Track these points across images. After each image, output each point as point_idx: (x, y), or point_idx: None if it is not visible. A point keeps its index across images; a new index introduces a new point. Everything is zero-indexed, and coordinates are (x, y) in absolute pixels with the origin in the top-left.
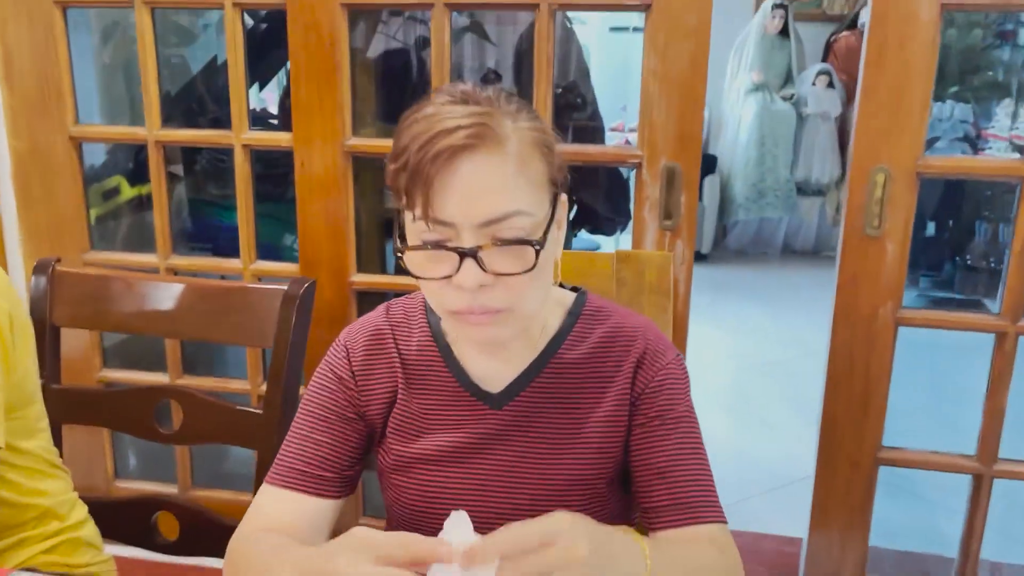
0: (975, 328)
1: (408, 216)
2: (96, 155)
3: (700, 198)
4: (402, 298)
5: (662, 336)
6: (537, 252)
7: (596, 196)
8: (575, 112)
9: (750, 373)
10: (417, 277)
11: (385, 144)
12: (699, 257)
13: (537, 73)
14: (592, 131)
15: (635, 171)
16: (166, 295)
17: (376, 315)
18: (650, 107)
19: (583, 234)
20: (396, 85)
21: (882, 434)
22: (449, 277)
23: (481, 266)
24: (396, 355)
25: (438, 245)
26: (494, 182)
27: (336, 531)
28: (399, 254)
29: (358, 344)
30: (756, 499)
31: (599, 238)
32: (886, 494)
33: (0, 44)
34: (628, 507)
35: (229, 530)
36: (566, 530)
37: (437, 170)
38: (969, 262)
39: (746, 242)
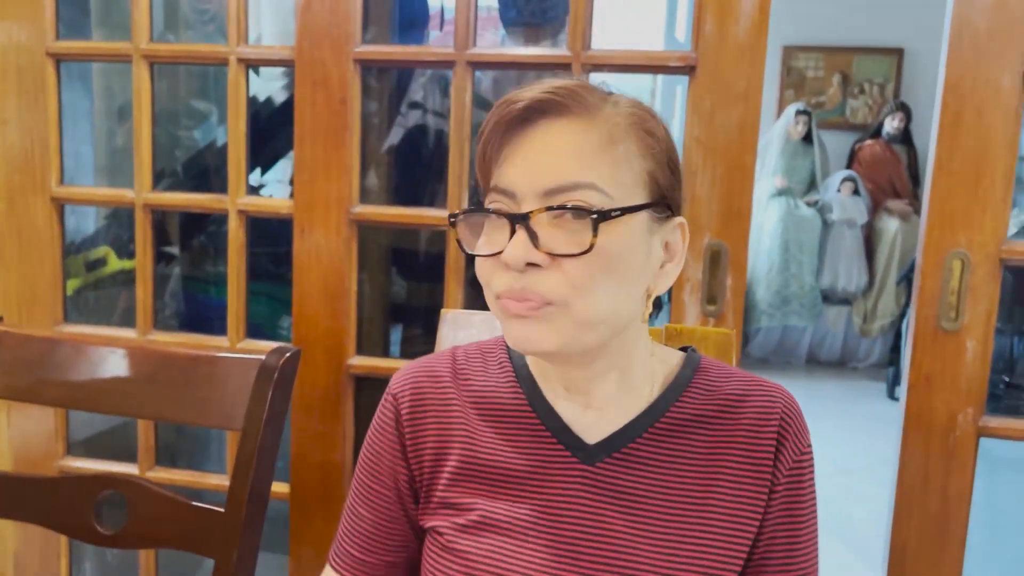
0: None
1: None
2: (86, 223)
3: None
4: (476, 342)
5: (792, 400)
6: (595, 226)
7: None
8: None
9: None
10: (467, 255)
11: (396, 212)
12: None
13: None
14: None
15: None
16: (120, 363)
17: (438, 354)
18: (693, 179)
19: None
20: (411, 155)
21: (961, 569)
22: (500, 253)
23: (533, 240)
24: (464, 395)
25: (491, 211)
26: (568, 148)
27: None
28: (452, 221)
29: (408, 386)
30: None
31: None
32: None
33: None
34: None
35: None
36: None
37: (511, 134)
38: None
39: (769, 350)
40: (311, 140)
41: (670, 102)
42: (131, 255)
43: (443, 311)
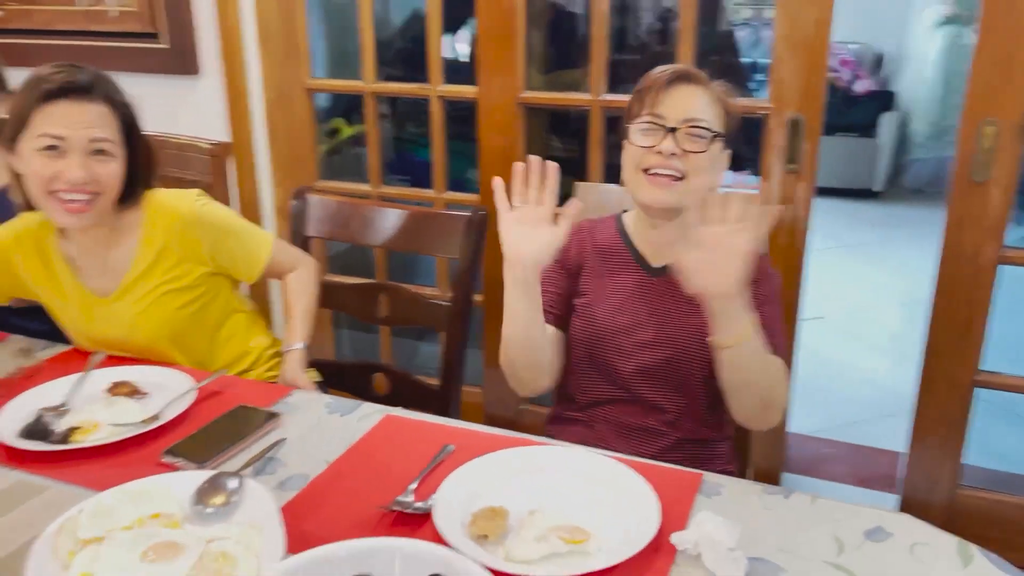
0: None
1: (634, 125)
2: (320, 100)
3: (874, 135)
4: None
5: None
6: (713, 138)
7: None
8: (719, 60)
9: (901, 310)
10: (632, 145)
11: (549, 96)
12: (870, 195)
13: (682, 34)
14: (735, 81)
15: (763, 120)
16: (383, 217)
17: (584, 220)
18: (779, 66)
19: (728, 173)
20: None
21: (979, 359)
22: (652, 147)
23: (676, 142)
24: (589, 240)
25: (653, 123)
26: (697, 100)
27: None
28: (628, 125)
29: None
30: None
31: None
32: (988, 416)
33: (257, 11)
34: None
35: (428, 388)
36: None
37: (664, 87)
38: None
39: (924, 181)
40: (489, 44)
41: None
42: (355, 122)
43: (575, 184)
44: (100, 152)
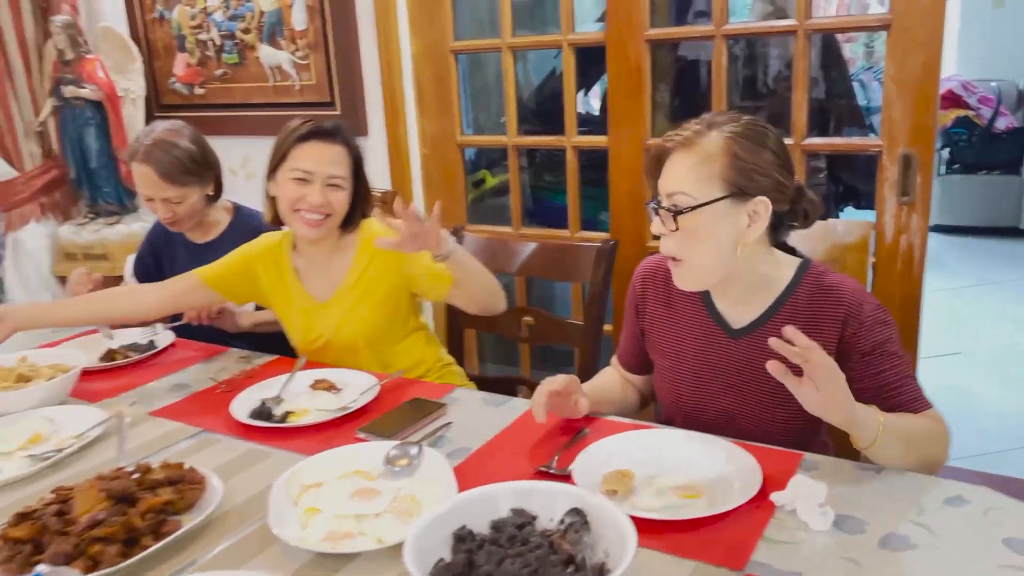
0: None
1: None
2: (467, 153)
3: (1018, 172)
4: None
5: (860, 292)
6: (675, 218)
7: (857, 177)
8: (837, 104)
9: None
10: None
11: None
12: (1016, 232)
13: (795, 82)
14: (852, 122)
15: (877, 157)
16: (524, 249)
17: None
18: (890, 105)
19: (850, 210)
20: (685, 94)
21: None
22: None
23: (662, 221)
24: (663, 288)
25: (648, 204)
26: (674, 168)
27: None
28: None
29: (639, 276)
30: None
31: (866, 213)
32: None
33: (415, 80)
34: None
35: None
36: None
37: (654, 161)
38: None
39: None
40: (619, 97)
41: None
42: (497, 172)
43: None
44: (334, 185)
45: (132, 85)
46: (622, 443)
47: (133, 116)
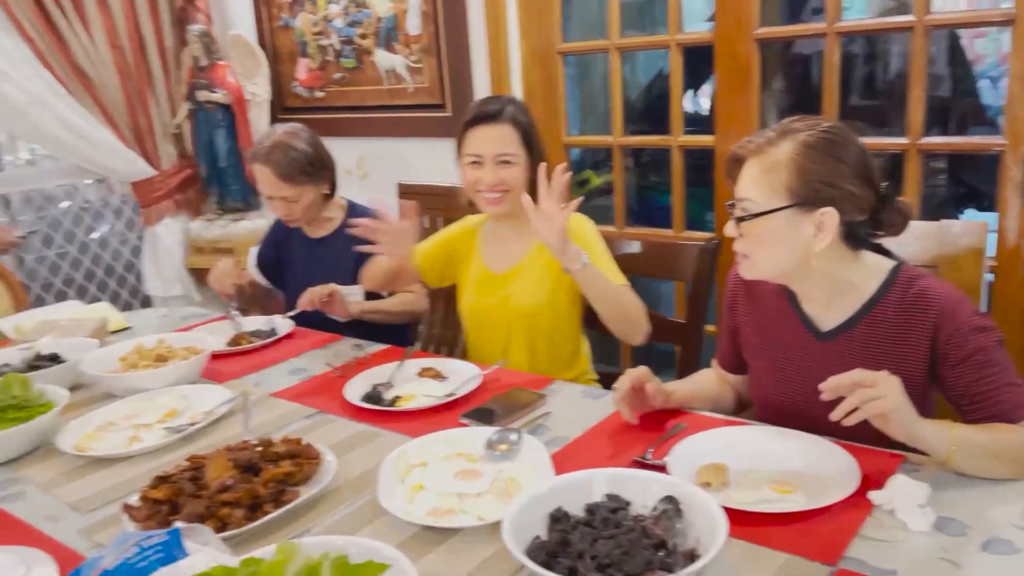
0: None
1: None
2: (572, 154)
3: None
4: None
5: (955, 298)
6: (739, 223)
7: (980, 178)
8: (960, 102)
9: None
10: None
11: None
12: None
13: (913, 79)
14: (976, 121)
15: (1000, 157)
16: (627, 246)
17: None
18: (1013, 104)
19: (972, 212)
20: (795, 92)
21: None
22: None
23: (735, 221)
24: (754, 292)
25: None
26: (747, 178)
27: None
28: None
29: (731, 282)
30: None
31: (989, 215)
32: None
33: (524, 81)
34: None
35: None
36: (885, 378)
37: (732, 166)
38: None
39: None
40: (727, 97)
41: None
42: (601, 172)
43: None
44: (505, 162)
45: (258, 89)
46: (718, 438)
47: (259, 118)
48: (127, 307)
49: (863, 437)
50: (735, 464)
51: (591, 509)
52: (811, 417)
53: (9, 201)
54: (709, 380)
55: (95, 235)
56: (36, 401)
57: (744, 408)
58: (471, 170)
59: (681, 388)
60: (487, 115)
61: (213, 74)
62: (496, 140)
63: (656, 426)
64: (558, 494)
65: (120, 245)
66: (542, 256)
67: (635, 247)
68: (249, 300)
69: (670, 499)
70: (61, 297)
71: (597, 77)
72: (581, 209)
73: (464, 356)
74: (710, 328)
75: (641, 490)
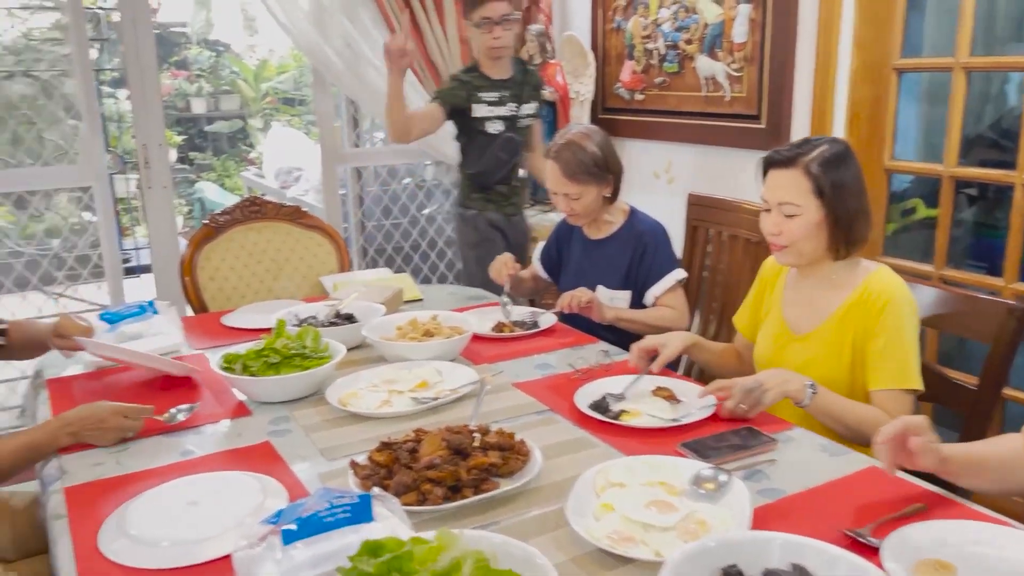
0: None
1: None
2: (903, 180)
3: None
4: None
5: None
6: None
7: None
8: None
9: None
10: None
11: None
12: None
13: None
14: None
15: None
16: (919, 294)
17: None
18: None
19: None
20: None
21: None
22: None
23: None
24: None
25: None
26: (778, 180)
27: None
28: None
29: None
30: None
31: None
32: None
33: (849, 98)
34: None
35: None
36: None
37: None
38: None
39: None
40: None
41: None
42: (935, 204)
43: None
44: (789, 214)
45: (583, 88)
46: (956, 531)
47: (579, 116)
48: (443, 279)
49: None
50: (964, 565)
51: (770, 574)
52: None
53: (361, 173)
54: (1009, 449)
55: (426, 211)
56: (320, 353)
57: None
58: (763, 216)
59: (963, 454)
60: (779, 160)
61: (544, 72)
62: (780, 186)
63: (892, 500)
64: (732, 550)
65: (444, 223)
66: (848, 317)
67: (927, 299)
68: (529, 292)
69: None
70: (390, 262)
71: (943, 97)
72: (899, 240)
73: None
74: (1015, 393)
75: (825, 567)
